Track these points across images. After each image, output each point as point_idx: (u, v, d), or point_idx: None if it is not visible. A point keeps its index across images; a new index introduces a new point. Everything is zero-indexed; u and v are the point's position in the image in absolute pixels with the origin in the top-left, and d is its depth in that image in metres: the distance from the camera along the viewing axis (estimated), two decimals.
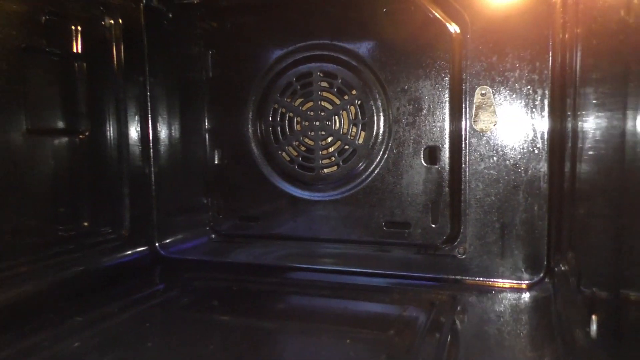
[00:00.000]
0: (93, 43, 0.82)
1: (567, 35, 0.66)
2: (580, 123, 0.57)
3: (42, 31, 0.73)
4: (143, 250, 0.89)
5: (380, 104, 0.75)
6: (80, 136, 0.81)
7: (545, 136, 0.69)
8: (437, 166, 0.73)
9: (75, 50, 0.80)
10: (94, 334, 0.59)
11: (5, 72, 0.67)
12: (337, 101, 0.78)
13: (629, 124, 0.36)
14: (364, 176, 0.77)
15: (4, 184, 0.68)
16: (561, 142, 0.68)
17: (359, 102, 0.76)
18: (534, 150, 0.70)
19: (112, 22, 0.85)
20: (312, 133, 0.79)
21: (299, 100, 0.80)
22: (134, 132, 0.89)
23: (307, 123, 0.79)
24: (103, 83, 0.85)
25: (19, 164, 0.70)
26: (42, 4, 0.73)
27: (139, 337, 0.59)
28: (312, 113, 0.79)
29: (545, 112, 0.69)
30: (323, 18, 0.77)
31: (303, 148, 0.80)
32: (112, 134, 0.86)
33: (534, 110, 0.69)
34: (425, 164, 0.73)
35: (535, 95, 0.69)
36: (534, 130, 0.69)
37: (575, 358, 0.46)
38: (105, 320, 0.62)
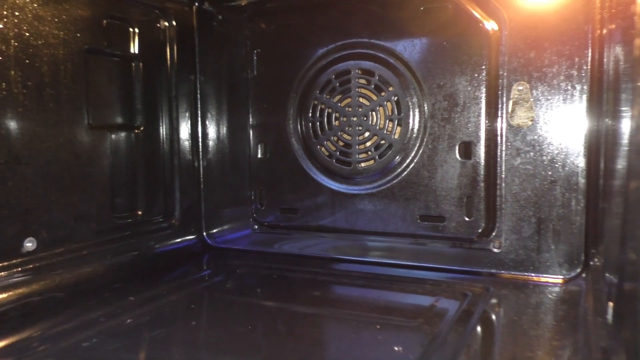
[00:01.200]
0: (149, 44, 0.88)
1: (604, 31, 0.65)
2: (616, 120, 0.56)
3: (103, 34, 0.79)
4: (192, 239, 0.95)
5: (416, 100, 0.77)
6: (136, 131, 0.87)
7: (584, 132, 0.69)
8: (471, 161, 0.74)
9: (132, 51, 0.86)
10: (144, 312, 0.64)
11: (70, 71, 0.73)
12: (375, 97, 0.80)
13: None
14: (399, 170, 0.79)
15: (68, 175, 0.74)
16: (598, 138, 0.68)
17: (396, 98, 0.78)
18: (571, 145, 0.69)
19: (166, 24, 0.91)
20: (350, 128, 0.82)
21: (338, 97, 0.83)
22: (184, 127, 0.94)
23: (345, 119, 0.82)
24: (157, 81, 0.90)
25: (81, 156, 0.76)
26: (103, 9, 0.79)
27: (184, 316, 0.64)
28: (350, 109, 0.82)
29: (584, 108, 0.68)
30: (362, 17, 0.80)
31: (341, 143, 0.83)
32: (164, 130, 0.92)
33: (572, 105, 0.69)
34: (460, 159, 0.74)
35: (574, 91, 0.69)
36: (572, 126, 0.69)
37: (590, 346, 0.46)
38: (155, 300, 0.67)
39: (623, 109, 0.54)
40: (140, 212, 0.88)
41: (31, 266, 0.68)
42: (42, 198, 0.71)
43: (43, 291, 0.62)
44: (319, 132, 0.84)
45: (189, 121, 0.94)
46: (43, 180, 0.71)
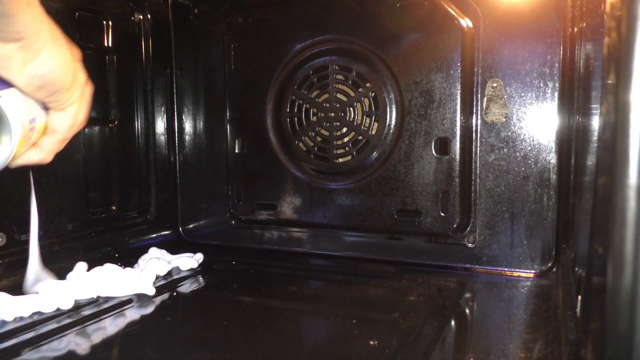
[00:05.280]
0: (123, 37, 0.87)
1: (575, 29, 0.67)
2: (587, 117, 0.58)
3: (75, 26, 0.78)
4: (167, 234, 0.94)
5: (393, 96, 0.78)
6: (110, 125, 0.86)
7: (555, 129, 0.70)
8: (447, 157, 0.74)
9: (106, 44, 0.84)
10: None
11: None
12: (352, 93, 0.80)
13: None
14: (376, 166, 0.79)
15: (40, 170, 0.73)
16: (569, 134, 0.69)
17: (373, 94, 0.79)
18: (543, 142, 0.71)
19: (141, 17, 0.90)
20: (328, 124, 0.82)
21: (316, 92, 0.83)
22: (160, 122, 0.93)
23: (322, 114, 0.82)
24: (132, 75, 0.89)
25: None
26: (76, 1, 0.78)
27: (159, 311, 0.63)
28: (327, 105, 0.82)
29: (555, 105, 0.70)
30: (340, 12, 0.80)
31: (319, 138, 0.83)
32: (140, 124, 0.91)
33: (544, 102, 0.70)
34: (436, 155, 0.75)
35: (546, 88, 0.70)
36: (544, 123, 0.70)
37: (560, 339, 0.48)
38: None
39: (593, 106, 0.55)
40: (114, 207, 0.87)
41: (0, 262, 0.67)
42: (13, 193, 0.70)
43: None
44: (297, 128, 0.84)
45: (165, 115, 0.94)
46: (13, 175, 0.69)
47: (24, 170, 0.70)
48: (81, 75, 0.48)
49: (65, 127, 0.49)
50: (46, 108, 0.47)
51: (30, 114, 0.44)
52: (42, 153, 0.49)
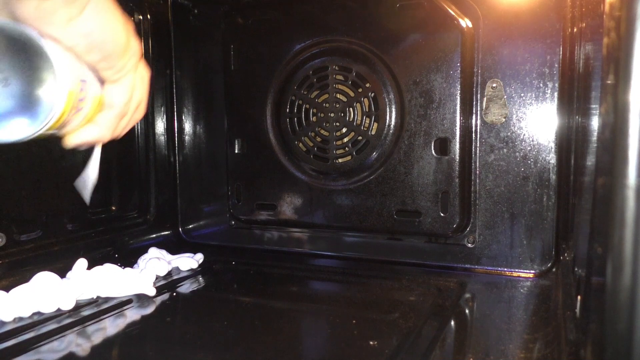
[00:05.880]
0: None
1: (575, 29, 0.67)
2: (586, 117, 0.58)
3: None
4: (167, 234, 0.94)
5: (392, 96, 0.78)
6: None
7: (555, 129, 0.70)
8: (447, 157, 0.75)
9: None
10: None
11: None
12: (352, 94, 0.80)
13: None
14: (376, 166, 0.79)
15: (40, 170, 0.73)
16: (568, 135, 0.69)
17: (373, 94, 0.79)
18: (543, 142, 0.71)
19: (141, 17, 0.89)
20: (327, 124, 0.82)
21: (315, 93, 0.83)
22: (160, 122, 0.93)
23: (322, 115, 0.82)
24: None
25: (53, 151, 0.75)
26: None
27: (159, 312, 0.63)
28: (327, 105, 0.82)
29: (555, 106, 0.70)
30: (339, 13, 0.80)
31: (318, 139, 0.83)
32: (139, 125, 0.91)
33: (543, 103, 0.70)
34: (435, 155, 0.75)
35: (546, 89, 0.70)
36: (544, 123, 0.71)
37: (560, 339, 0.48)
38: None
39: (592, 106, 0.55)
40: (114, 208, 0.87)
41: (0, 262, 0.67)
42: (13, 193, 0.69)
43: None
44: (297, 128, 0.84)
45: (165, 116, 0.94)
46: (13, 176, 0.69)
47: (29, 167, 0.70)
48: (135, 43, 0.44)
49: (121, 101, 0.45)
50: (101, 81, 0.43)
51: (81, 74, 0.40)
52: (99, 129, 0.45)
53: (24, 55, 0.37)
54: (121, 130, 0.48)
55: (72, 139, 0.43)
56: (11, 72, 0.37)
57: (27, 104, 0.37)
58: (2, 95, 0.37)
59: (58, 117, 0.38)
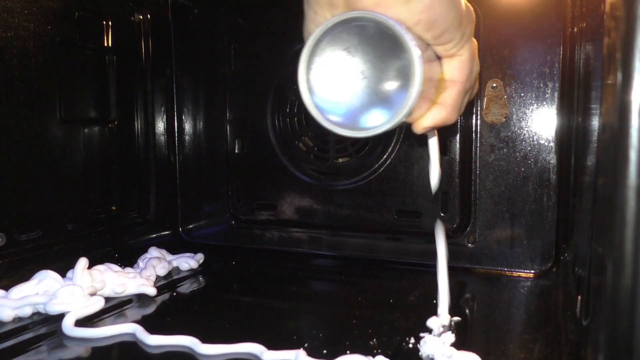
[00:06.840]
0: (123, 37, 0.87)
1: (575, 29, 0.67)
2: (587, 117, 0.58)
3: (75, 26, 0.78)
4: (167, 234, 0.94)
5: None
6: (110, 125, 0.86)
7: (555, 129, 0.70)
8: (447, 157, 0.74)
9: (106, 45, 0.84)
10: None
11: (41, 64, 0.71)
12: None
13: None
14: (376, 166, 0.79)
15: (40, 170, 0.73)
16: (569, 134, 0.69)
17: None
18: (543, 142, 0.71)
19: (141, 17, 0.89)
20: None
21: None
22: (160, 122, 0.93)
23: None
24: (132, 75, 0.89)
25: (53, 151, 0.75)
26: (75, 1, 0.78)
27: (159, 312, 0.63)
28: None
29: (555, 106, 0.70)
30: None
31: (319, 139, 0.83)
32: (139, 124, 0.91)
33: (544, 103, 0.70)
34: None
35: (546, 89, 0.70)
36: (544, 123, 0.70)
37: (560, 339, 0.48)
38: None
39: (593, 106, 0.55)
40: (114, 207, 0.87)
41: (0, 262, 0.67)
42: (13, 193, 0.69)
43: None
44: (297, 128, 0.84)
45: (165, 115, 0.94)
46: (14, 175, 0.69)
47: (29, 167, 0.70)
48: (470, 6, 0.39)
49: (463, 76, 0.40)
50: (437, 58, 0.40)
51: (427, 55, 0.37)
52: (445, 110, 0.41)
53: (380, 45, 0.35)
54: (464, 108, 0.44)
55: (420, 124, 0.40)
56: (367, 65, 0.36)
57: (383, 95, 0.36)
58: (361, 89, 0.36)
59: (412, 104, 0.35)
